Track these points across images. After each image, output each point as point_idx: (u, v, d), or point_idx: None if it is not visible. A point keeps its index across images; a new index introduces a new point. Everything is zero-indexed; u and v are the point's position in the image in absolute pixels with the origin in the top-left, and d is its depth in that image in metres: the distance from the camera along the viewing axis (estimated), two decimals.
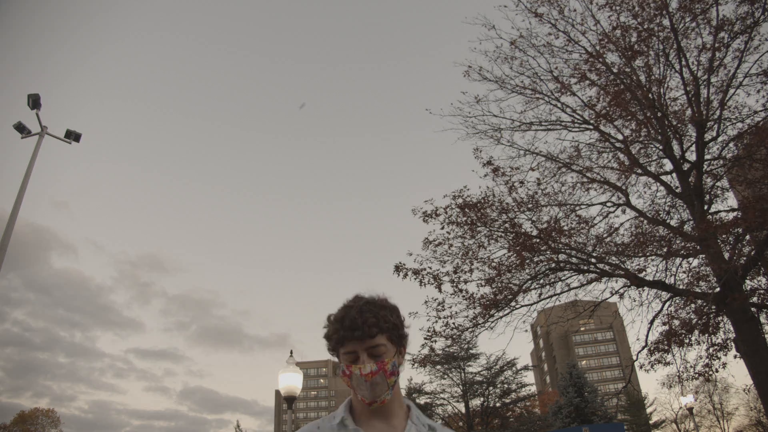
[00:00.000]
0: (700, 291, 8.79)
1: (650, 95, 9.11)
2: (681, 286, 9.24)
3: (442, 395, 26.23)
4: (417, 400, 25.93)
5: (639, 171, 9.68)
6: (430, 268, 9.38)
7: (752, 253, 8.13)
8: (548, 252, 9.10)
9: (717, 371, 9.03)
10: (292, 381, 9.46)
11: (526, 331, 11.65)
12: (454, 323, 9.27)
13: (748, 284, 8.57)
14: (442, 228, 9.43)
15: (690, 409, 20.43)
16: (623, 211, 9.79)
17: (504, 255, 9.38)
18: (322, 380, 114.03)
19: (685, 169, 9.17)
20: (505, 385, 25.85)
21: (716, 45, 8.79)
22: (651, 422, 35.37)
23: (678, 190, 9.31)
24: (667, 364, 9.25)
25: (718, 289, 8.01)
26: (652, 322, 9.44)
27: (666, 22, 9.09)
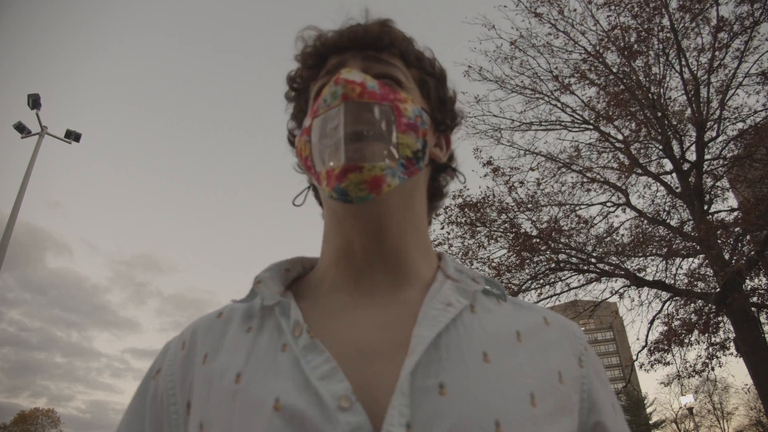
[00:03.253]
0: (700, 291, 8.79)
1: (650, 95, 9.11)
2: (681, 287, 9.24)
3: None
4: None
5: (639, 171, 9.68)
6: None
7: (752, 253, 8.13)
8: (548, 252, 9.10)
9: (713, 369, 9.04)
10: None
11: None
12: None
13: (748, 284, 8.56)
14: (442, 228, 9.42)
15: (690, 409, 20.44)
16: (623, 211, 9.80)
17: (504, 255, 9.39)
18: None
19: (685, 169, 9.17)
20: None
21: (716, 45, 8.80)
22: (651, 422, 35.42)
23: (678, 190, 9.31)
24: (667, 363, 9.26)
25: (718, 289, 8.01)
26: (652, 322, 9.46)
27: (666, 22, 9.10)
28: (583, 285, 9.50)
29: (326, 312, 0.61)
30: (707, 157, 9.03)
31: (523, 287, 9.35)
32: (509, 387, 0.52)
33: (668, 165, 9.70)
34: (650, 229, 9.86)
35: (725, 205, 13.69)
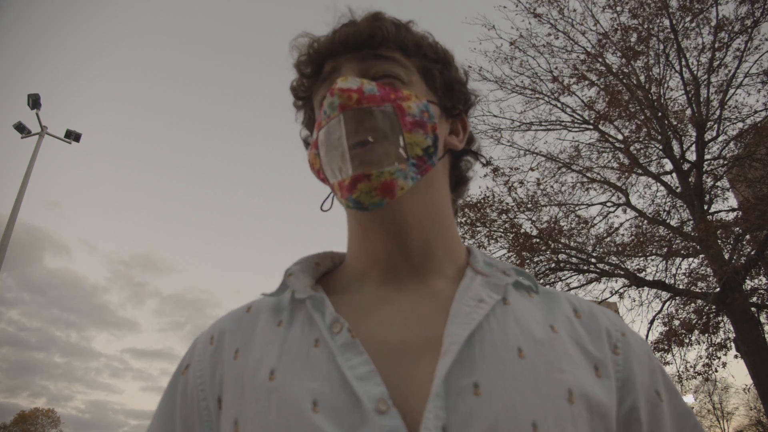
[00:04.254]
0: (700, 291, 8.79)
1: (650, 95, 9.11)
2: (681, 286, 9.25)
3: None
4: None
5: (639, 171, 9.69)
6: None
7: (752, 253, 8.14)
8: (548, 252, 9.11)
9: (716, 371, 9.04)
10: None
11: None
12: None
13: (748, 284, 8.56)
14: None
15: None
16: (623, 211, 9.80)
17: (504, 255, 9.38)
18: None
19: (685, 169, 9.17)
20: None
21: (716, 45, 8.80)
22: None
23: (678, 190, 9.32)
24: (667, 363, 9.26)
25: (718, 289, 8.01)
26: (652, 322, 9.45)
27: (666, 22, 9.10)
28: (583, 285, 9.50)
29: (357, 307, 0.61)
30: (707, 157, 9.03)
31: None
32: (546, 384, 0.51)
33: (668, 165, 9.71)
34: (650, 229, 9.86)
35: (725, 205, 13.66)
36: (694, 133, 8.98)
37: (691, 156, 9.11)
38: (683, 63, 9.04)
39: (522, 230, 9.31)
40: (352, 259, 0.68)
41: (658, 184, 9.83)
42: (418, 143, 0.60)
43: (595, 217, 9.91)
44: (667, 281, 9.25)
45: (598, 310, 0.65)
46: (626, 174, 9.72)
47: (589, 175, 9.77)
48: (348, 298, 0.62)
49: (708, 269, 9.04)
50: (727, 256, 8.22)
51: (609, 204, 9.87)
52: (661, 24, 9.22)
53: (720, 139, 9.06)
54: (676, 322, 8.96)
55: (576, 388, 0.52)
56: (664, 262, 9.47)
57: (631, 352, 0.61)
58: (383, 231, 0.63)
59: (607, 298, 9.61)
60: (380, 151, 0.57)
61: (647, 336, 9.50)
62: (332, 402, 0.49)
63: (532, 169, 9.97)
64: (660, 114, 9.12)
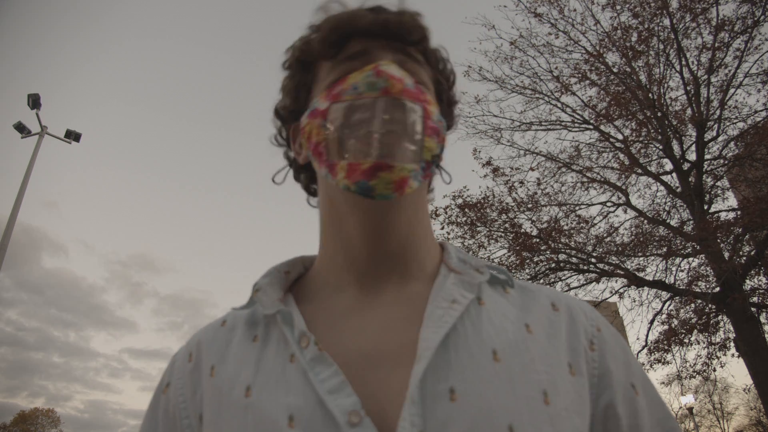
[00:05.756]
0: (700, 291, 8.79)
1: (650, 95, 9.11)
2: (681, 286, 9.24)
3: None
4: None
5: (639, 171, 9.68)
6: None
7: (752, 253, 8.13)
8: (548, 252, 9.11)
9: (715, 370, 9.04)
10: None
11: None
12: None
13: (748, 284, 8.56)
14: (442, 228, 9.43)
15: (690, 409, 20.44)
16: (623, 211, 9.80)
17: (504, 255, 9.38)
18: None
19: (685, 168, 9.17)
20: None
21: (716, 45, 8.79)
22: None
23: (678, 190, 9.31)
24: (667, 363, 9.26)
25: (718, 289, 8.01)
26: (652, 322, 9.45)
27: (666, 21, 9.09)
28: (583, 285, 9.50)
29: (330, 314, 0.59)
30: (707, 156, 9.03)
31: None
32: (521, 387, 0.51)
33: (668, 165, 9.71)
34: (650, 229, 9.86)
35: (725, 204, 13.68)
36: (694, 133, 8.98)
37: (691, 156, 9.11)
38: (683, 63, 9.04)
39: (522, 230, 9.31)
40: (326, 260, 0.65)
41: (658, 184, 9.83)
42: (432, 149, 0.59)
43: (595, 217, 9.92)
44: (667, 281, 9.25)
45: (575, 304, 0.64)
46: (626, 174, 9.72)
47: (589, 175, 9.77)
48: (320, 307, 0.61)
49: (708, 269, 9.05)
50: (727, 256, 8.22)
51: (609, 204, 9.87)
52: (661, 23, 9.22)
53: (720, 139, 9.08)
54: (676, 322, 8.96)
55: (551, 389, 0.52)
56: (664, 261, 9.47)
57: (606, 347, 0.61)
58: (368, 223, 0.60)
59: (607, 298, 9.61)
60: (406, 146, 0.56)
61: (647, 336, 9.51)
62: (307, 417, 0.49)
63: (532, 169, 9.97)
64: (660, 114, 9.12)
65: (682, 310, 9.26)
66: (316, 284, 0.65)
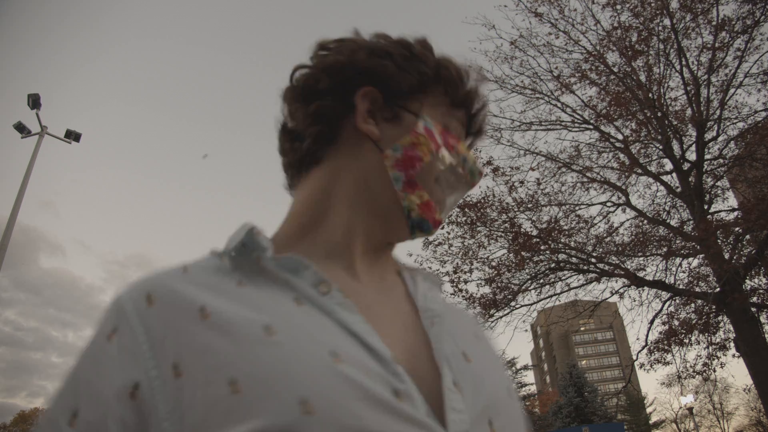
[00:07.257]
0: (700, 291, 8.79)
1: (650, 95, 9.10)
2: (681, 286, 9.25)
3: None
4: None
5: (639, 171, 9.68)
6: (430, 268, 9.38)
7: (752, 253, 8.13)
8: (548, 252, 9.11)
9: (715, 370, 9.04)
10: None
11: (526, 330, 11.66)
12: None
13: (748, 284, 8.56)
14: (442, 228, 9.43)
15: (690, 409, 20.46)
16: (623, 211, 9.79)
17: (504, 255, 9.39)
18: None
19: (685, 168, 9.17)
20: None
21: (717, 45, 8.78)
22: (651, 422, 35.40)
23: (678, 190, 9.31)
24: (667, 363, 9.27)
25: (718, 289, 8.01)
26: (652, 322, 9.45)
27: (666, 21, 9.09)
28: (583, 285, 9.51)
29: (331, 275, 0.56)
30: (707, 156, 9.03)
31: (523, 287, 9.35)
32: (494, 381, 0.57)
33: (668, 165, 9.71)
34: (650, 229, 9.86)
35: (725, 204, 13.65)
36: (694, 133, 8.98)
37: (691, 156, 9.11)
38: (683, 62, 9.03)
39: (522, 230, 9.31)
40: (330, 228, 0.61)
41: (658, 184, 9.83)
42: None
43: (595, 217, 9.91)
44: (667, 281, 9.25)
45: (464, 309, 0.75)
46: (626, 174, 9.72)
47: (589, 175, 9.77)
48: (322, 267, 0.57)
49: (708, 269, 9.05)
50: (727, 256, 8.22)
51: (609, 204, 9.87)
52: (661, 23, 9.21)
53: (720, 139, 9.07)
54: (676, 322, 8.96)
55: (510, 389, 0.59)
56: (664, 261, 9.48)
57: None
58: (376, 228, 0.64)
59: (607, 298, 9.61)
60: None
61: (647, 336, 9.51)
62: (352, 353, 0.46)
63: (532, 169, 9.96)
64: (660, 114, 9.11)
65: (682, 310, 9.27)
66: (298, 248, 0.59)
